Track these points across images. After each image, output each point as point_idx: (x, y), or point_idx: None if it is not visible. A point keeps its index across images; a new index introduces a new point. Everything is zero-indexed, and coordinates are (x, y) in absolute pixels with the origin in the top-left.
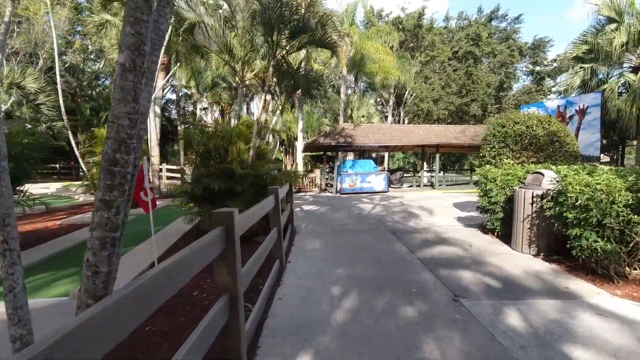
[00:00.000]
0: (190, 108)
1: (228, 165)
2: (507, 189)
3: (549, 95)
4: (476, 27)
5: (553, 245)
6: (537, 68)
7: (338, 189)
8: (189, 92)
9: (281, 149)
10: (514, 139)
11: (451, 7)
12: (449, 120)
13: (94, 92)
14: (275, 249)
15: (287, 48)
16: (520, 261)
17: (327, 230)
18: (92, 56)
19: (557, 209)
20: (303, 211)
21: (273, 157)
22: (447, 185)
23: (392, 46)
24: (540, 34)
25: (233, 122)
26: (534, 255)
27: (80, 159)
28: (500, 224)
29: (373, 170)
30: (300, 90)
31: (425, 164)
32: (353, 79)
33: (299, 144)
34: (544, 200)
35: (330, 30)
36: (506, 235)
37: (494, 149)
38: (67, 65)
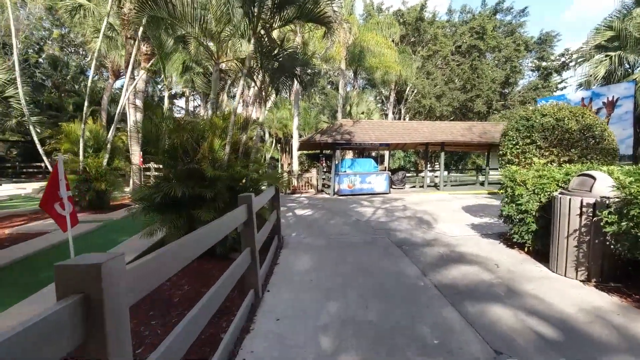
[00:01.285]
0: (191, 104)
1: (196, 165)
2: (542, 194)
3: (555, 92)
4: (481, 20)
5: (609, 269)
6: (544, 63)
7: (336, 190)
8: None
9: (277, 147)
10: (541, 134)
11: (453, 1)
12: (452, 118)
13: (76, 86)
14: (249, 276)
15: (271, 22)
16: (568, 290)
17: (320, 243)
18: (74, 48)
19: (624, 224)
20: (295, 216)
21: (269, 156)
22: (451, 186)
23: (393, 40)
24: (546, 28)
25: (208, 113)
26: (584, 282)
27: (44, 158)
28: (532, 237)
29: (373, 170)
30: (285, 73)
31: (427, 163)
32: (352, 74)
33: (295, 142)
34: (605, 213)
35: (324, 2)
36: (540, 252)
37: (517, 146)
38: (44, 57)
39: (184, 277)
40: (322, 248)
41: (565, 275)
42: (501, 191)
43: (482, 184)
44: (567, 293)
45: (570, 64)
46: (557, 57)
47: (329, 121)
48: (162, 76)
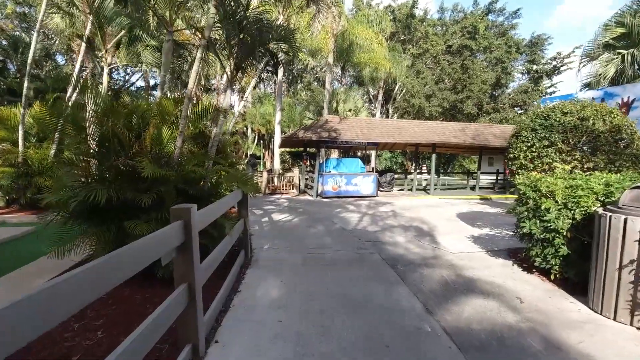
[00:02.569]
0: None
1: (130, 161)
2: (577, 210)
3: (545, 95)
4: (473, 19)
5: None
6: (535, 67)
7: (319, 191)
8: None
9: (260, 144)
10: (562, 136)
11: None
12: (441, 119)
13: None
14: (184, 325)
15: None
16: (630, 346)
17: (297, 259)
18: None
19: None
20: (271, 222)
21: (250, 153)
22: (441, 189)
23: (384, 35)
24: (538, 31)
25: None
26: None
27: None
28: (561, 263)
29: (360, 171)
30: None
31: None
32: (339, 71)
33: (277, 138)
34: None
35: None
36: (571, 282)
37: (533, 149)
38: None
39: (103, 314)
40: (299, 267)
41: (614, 319)
42: (511, 206)
43: (472, 188)
44: (630, 350)
45: (562, 68)
46: (549, 61)
47: (314, 118)
48: (103, 51)
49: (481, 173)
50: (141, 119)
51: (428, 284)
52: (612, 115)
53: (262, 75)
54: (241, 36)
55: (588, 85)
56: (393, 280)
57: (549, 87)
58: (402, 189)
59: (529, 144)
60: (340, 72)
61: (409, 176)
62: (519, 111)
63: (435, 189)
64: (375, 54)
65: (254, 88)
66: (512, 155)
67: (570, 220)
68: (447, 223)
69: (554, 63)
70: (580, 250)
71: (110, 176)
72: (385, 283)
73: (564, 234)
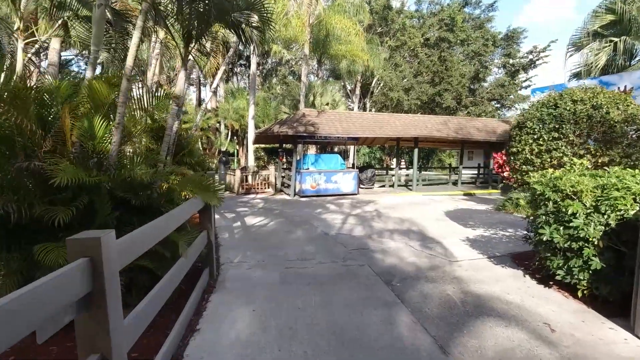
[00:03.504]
0: None
1: (40, 163)
2: (611, 214)
3: (520, 90)
4: (451, 11)
5: None
6: (512, 60)
7: (297, 190)
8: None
9: (234, 141)
10: (574, 126)
11: None
12: (419, 113)
13: None
14: None
15: None
16: None
17: (273, 277)
18: None
19: None
20: (244, 228)
21: (224, 149)
22: (423, 185)
23: (362, 25)
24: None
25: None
26: None
27: None
28: (591, 277)
29: (340, 167)
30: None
31: (399, 160)
32: (316, 63)
33: (250, 134)
34: None
35: None
36: (604, 300)
37: (540, 141)
38: None
39: None
40: (276, 288)
41: None
42: (501, 203)
43: (454, 183)
44: None
45: (537, 62)
46: (525, 55)
47: (290, 112)
48: (16, 20)
49: (464, 168)
50: (61, 107)
51: (433, 306)
52: (627, 103)
53: (235, 68)
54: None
55: (577, 75)
56: (390, 302)
57: (524, 80)
58: (383, 186)
59: (536, 136)
60: (316, 65)
61: (389, 172)
62: (496, 105)
63: (417, 185)
64: (352, 46)
65: (226, 82)
66: (514, 150)
67: (603, 227)
68: (437, 224)
69: (530, 57)
70: (615, 262)
71: (16, 184)
72: (382, 307)
73: (595, 243)
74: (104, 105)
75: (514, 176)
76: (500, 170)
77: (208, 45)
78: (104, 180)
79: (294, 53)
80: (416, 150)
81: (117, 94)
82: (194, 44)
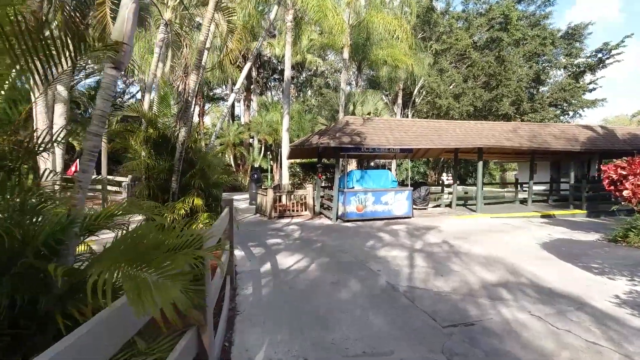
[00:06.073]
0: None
1: None
2: None
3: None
4: (504, 8)
5: None
6: (577, 60)
7: (340, 213)
8: None
9: (268, 156)
10: None
11: None
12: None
13: None
14: None
15: None
16: None
17: None
18: None
19: None
20: (274, 274)
21: (257, 165)
22: (485, 204)
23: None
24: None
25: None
26: None
27: None
28: None
29: (392, 185)
30: None
31: (444, 174)
32: (355, 70)
33: (284, 147)
34: None
35: None
36: None
37: None
38: None
39: None
40: None
41: None
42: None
43: (522, 202)
44: None
45: (607, 61)
46: (593, 53)
47: (327, 124)
48: None
49: (535, 183)
50: None
51: None
52: None
53: (269, 83)
54: None
55: None
56: None
57: (589, 83)
58: (437, 205)
59: None
60: (356, 72)
61: (445, 189)
62: (555, 111)
63: (481, 205)
64: (395, 50)
65: (260, 94)
66: None
67: None
68: (547, 267)
69: (600, 55)
70: None
71: None
72: None
73: None
74: None
75: None
76: (613, 188)
77: None
78: None
79: (330, 63)
80: (480, 164)
81: None
82: None
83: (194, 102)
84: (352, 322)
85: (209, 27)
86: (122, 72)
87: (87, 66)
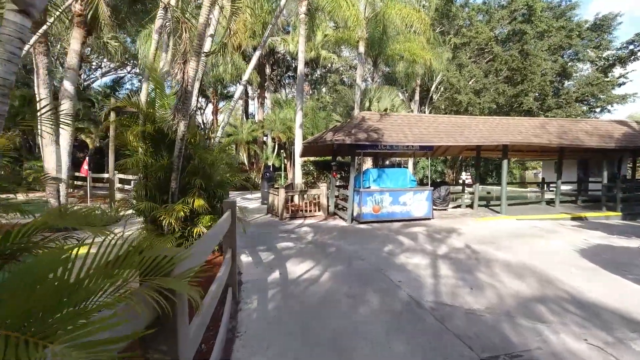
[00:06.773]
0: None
1: None
2: None
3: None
4: None
5: None
6: (605, 53)
7: (355, 214)
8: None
9: (281, 154)
10: None
11: None
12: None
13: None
14: None
15: None
16: None
17: None
18: None
19: None
20: (283, 285)
21: (270, 163)
22: (508, 205)
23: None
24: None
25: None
26: None
27: None
28: None
29: (410, 185)
30: None
31: (463, 173)
32: (371, 66)
33: (297, 145)
34: None
35: None
36: None
37: None
38: None
39: None
40: None
41: None
42: None
43: (549, 202)
44: None
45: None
46: (624, 45)
47: (343, 120)
48: None
49: (563, 182)
50: None
51: None
52: None
53: (283, 80)
54: None
55: None
56: None
57: (619, 77)
58: (458, 206)
59: None
60: (372, 68)
61: (467, 189)
62: (582, 107)
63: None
64: (412, 44)
65: (275, 91)
66: None
67: None
68: (592, 280)
69: (631, 47)
70: None
71: None
72: None
73: None
74: None
75: None
76: None
77: None
78: None
79: (345, 60)
80: (505, 162)
81: None
82: None
83: (194, 92)
84: (372, 350)
85: (209, 6)
86: (36, 19)
87: None
